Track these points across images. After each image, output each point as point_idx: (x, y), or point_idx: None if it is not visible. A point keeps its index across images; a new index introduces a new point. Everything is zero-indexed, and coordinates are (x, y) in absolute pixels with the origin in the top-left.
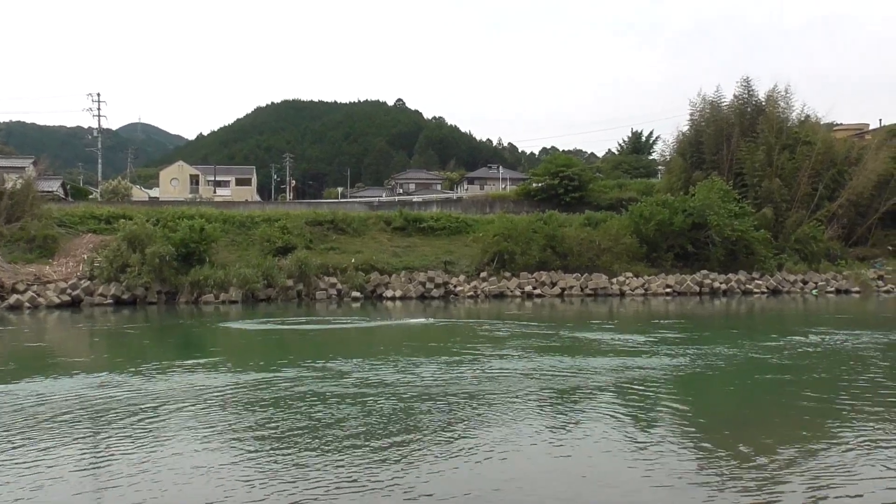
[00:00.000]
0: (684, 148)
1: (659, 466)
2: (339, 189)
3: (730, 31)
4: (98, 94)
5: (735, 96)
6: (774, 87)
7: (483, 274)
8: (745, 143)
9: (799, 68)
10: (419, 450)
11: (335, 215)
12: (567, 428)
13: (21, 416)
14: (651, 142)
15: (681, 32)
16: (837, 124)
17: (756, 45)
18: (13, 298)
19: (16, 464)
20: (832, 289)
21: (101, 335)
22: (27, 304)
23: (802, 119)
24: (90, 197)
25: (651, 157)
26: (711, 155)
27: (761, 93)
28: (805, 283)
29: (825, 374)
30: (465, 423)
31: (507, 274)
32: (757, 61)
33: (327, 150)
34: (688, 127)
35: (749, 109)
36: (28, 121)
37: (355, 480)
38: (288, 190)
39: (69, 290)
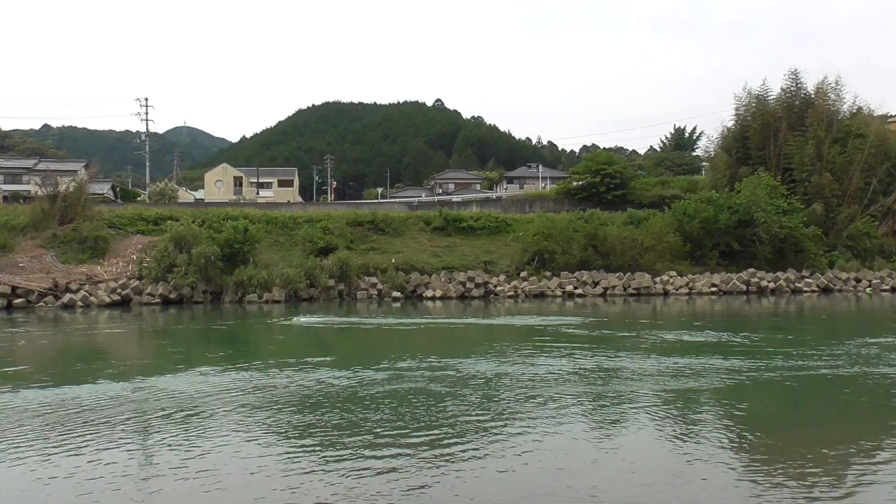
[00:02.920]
0: (729, 143)
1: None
2: (379, 189)
3: (775, 23)
4: (146, 99)
5: (782, 89)
6: (824, 79)
7: (523, 274)
8: (794, 137)
9: (849, 58)
10: (468, 451)
11: (375, 216)
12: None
13: (94, 413)
14: (694, 138)
15: (724, 25)
16: (892, 116)
17: (803, 36)
18: (66, 297)
19: (71, 460)
20: (887, 287)
21: (175, 334)
22: (80, 303)
23: (854, 111)
24: (138, 199)
25: (695, 154)
26: (758, 150)
27: (810, 85)
28: (858, 281)
29: None
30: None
31: (548, 273)
32: (804, 53)
33: (367, 151)
34: (733, 122)
35: (797, 102)
36: (80, 126)
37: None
38: (329, 191)
39: (119, 290)
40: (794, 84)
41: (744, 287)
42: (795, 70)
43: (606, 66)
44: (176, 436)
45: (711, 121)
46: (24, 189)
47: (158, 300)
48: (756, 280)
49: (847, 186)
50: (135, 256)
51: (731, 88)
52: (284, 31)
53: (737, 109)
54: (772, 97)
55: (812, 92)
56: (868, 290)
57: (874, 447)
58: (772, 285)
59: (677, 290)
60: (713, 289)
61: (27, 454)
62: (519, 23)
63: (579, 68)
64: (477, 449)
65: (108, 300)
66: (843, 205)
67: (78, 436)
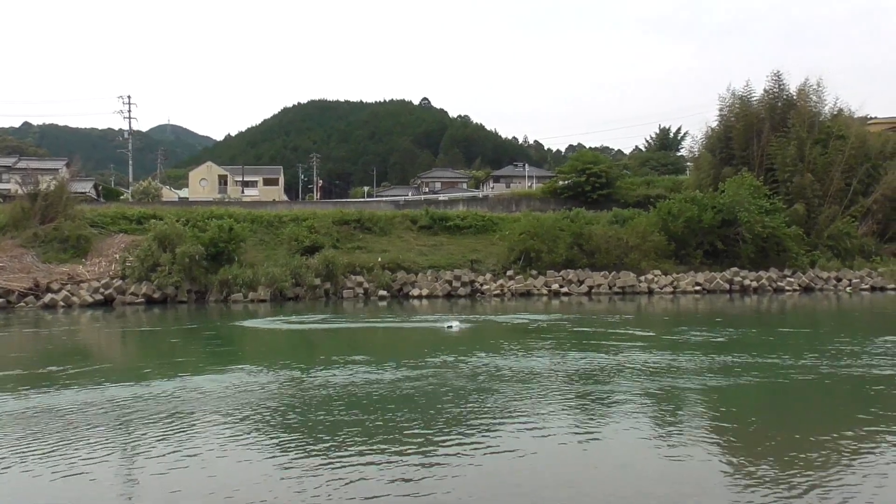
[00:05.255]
0: (713, 144)
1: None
2: (366, 188)
3: (774, 23)
4: (129, 97)
5: (765, 91)
6: (806, 81)
7: (509, 272)
8: (776, 138)
9: (840, 61)
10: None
11: (362, 215)
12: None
13: (84, 415)
14: (679, 138)
15: (722, 26)
16: (872, 118)
17: (802, 37)
18: (48, 297)
19: (53, 464)
20: (867, 286)
21: (159, 336)
22: (61, 303)
23: (835, 113)
24: (121, 198)
25: (679, 154)
26: (741, 150)
27: (792, 87)
28: (839, 280)
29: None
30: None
31: (534, 272)
32: (803, 53)
33: (353, 150)
34: (717, 122)
35: (780, 104)
36: (61, 123)
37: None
38: (315, 189)
39: (102, 290)
40: (776, 86)
41: (727, 286)
42: (778, 72)
43: (594, 67)
44: (163, 439)
45: (697, 121)
46: (4, 188)
47: (142, 300)
48: (739, 279)
49: (828, 187)
50: (118, 256)
51: (716, 90)
52: (270, 29)
53: (721, 110)
54: (755, 98)
55: (794, 94)
56: (848, 289)
57: (860, 446)
58: (754, 284)
59: (661, 288)
60: (697, 287)
61: (13, 461)
62: (504, 23)
63: (566, 68)
64: (465, 448)
65: (90, 300)
66: (824, 205)
67: (72, 441)
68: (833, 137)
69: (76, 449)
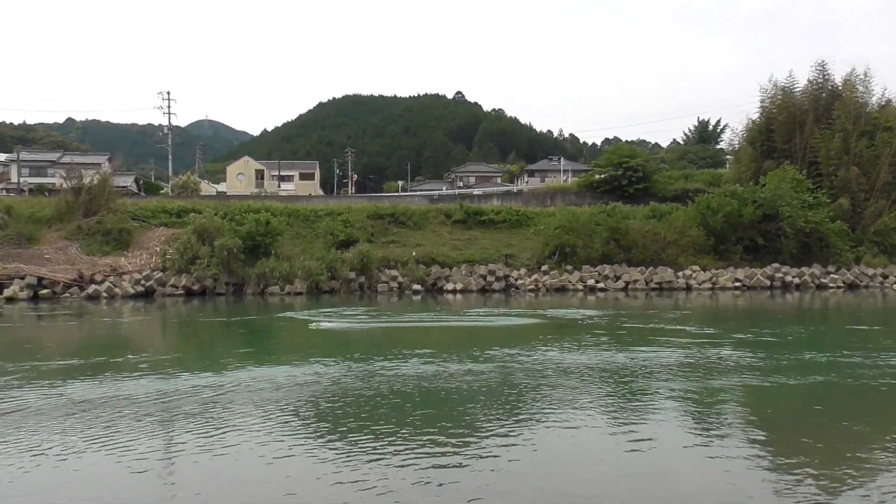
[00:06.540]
0: (754, 136)
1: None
2: (399, 183)
3: (803, 15)
4: (168, 93)
5: (809, 81)
6: (852, 71)
7: (544, 267)
8: (820, 130)
9: (878, 50)
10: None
11: (396, 209)
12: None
13: (142, 406)
14: (718, 131)
15: (751, 18)
16: None
17: (831, 28)
18: (91, 289)
19: (99, 455)
20: None
21: (201, 326)
22: (104, 294)
23: (883, 104)
24: (161, 192)
25: (718, 147)
26: (783, 143)
27: (837, 77)
28: (885, 277)
29: None
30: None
31: (569, 267)
32: (833, 45)
33: (387, 144)
34: (758, 114)
35: (824, 95)
36: (103, 119)
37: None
38: (350, 184)
39: (143, 281)
40: (821, 76)
41: (768, 282)
42: (823, 62)
43: (630, 60)
44: (203, 430)
45: (736, 114)
46: (49, 182)
47: (182, 291)
48: (780, 275)
49: (875, 181)
50: (158, 248)
51: (757, 81)
52: (305, 25)
53: (762, 102)
54: (798, 89)
55: (840, 84)
56: (895, 286)
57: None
58: (796, 281)
59: (700, 284)
60: (737, 284)
61: (56, 449)
62: (541, 15)
63: (602, 61)
64: (494, 444)
65: (132, 291)
66: (870, 199)
67: (113, 430)
68: (880, 129)
69: (151, 439)
